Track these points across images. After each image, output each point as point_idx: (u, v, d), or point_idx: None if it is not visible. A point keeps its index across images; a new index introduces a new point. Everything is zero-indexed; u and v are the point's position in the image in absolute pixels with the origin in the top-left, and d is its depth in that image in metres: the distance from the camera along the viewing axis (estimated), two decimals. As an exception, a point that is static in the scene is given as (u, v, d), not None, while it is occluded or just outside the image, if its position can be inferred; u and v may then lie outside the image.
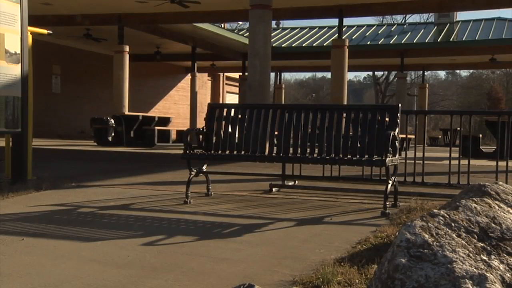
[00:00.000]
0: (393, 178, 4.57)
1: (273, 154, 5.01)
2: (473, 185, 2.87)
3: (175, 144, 16.23)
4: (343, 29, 17.30)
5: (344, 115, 4.94)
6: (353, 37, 22.54)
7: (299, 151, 4.97)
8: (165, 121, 17.14)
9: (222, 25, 24.39)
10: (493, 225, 2.15)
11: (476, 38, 21.14)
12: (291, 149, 5.01)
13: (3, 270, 2.77)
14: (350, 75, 66.18)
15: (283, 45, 23.12)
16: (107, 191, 5.53)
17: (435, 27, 23.52)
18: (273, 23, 18.76)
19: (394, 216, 4.17)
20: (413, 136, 13.18)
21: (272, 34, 14.21)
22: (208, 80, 32.04)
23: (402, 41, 22.06)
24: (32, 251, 3.18)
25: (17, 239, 3.43)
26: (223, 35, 21.43)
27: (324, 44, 21.75)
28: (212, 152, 5.06)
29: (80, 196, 5.18)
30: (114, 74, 17.96)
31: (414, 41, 21.89)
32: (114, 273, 2.75)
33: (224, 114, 5.25)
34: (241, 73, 25.68)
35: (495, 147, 9.58)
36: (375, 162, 4.52)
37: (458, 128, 9.99)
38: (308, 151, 4.93)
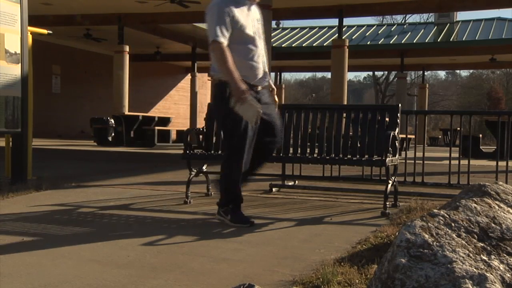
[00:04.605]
0: (393, 178, 4.57)
1: (273, 154, 5.00)
2: (473, 185, 2.87)
3: (175, 144, 16.24)
4: (343, 29, 17.31)
5: (344, 115, 4.94)
6: (353, 37, 22.54)
7: (299, 151, 4.97)
8: (165, 121, 17.15)
9: (222, 25, 24.35)
10: (493, 225, 2.15)
11: (476, 38, 21.14)
12: (291, 149, 5.00)
13: (3, 270, 2.77)
14: (350, 75, 66.19)
15: (283, 45, 23.11)
16: (107, 191, 5.53)
17: (435, 27, 23.52)
18: (273, 23, 18.76)
19: (394, 216, 4.17)
20: (413, 136, 13.18)
21: (272, 34, 14.21)
22: (208, 80, 32.00)
23: (402, 41, 22.05)
24: (32, 251, 3.18)
25: (17, 239, 3.43)
26: (223, 35, 21.39)
27: (324, 44, 21.76)
28: (212, 152, 5.06)
29: (80, 196, 5.18)
30: (114, 74, 17.97)
31: (414, 41, 21.89)
32: (114, 273, 2.75)
33: (224, 114, 5.23)
34: (241, 73, 25.63)
35: (495, 147, 9.58)
36: (375, 162, 4.52)
37: (458, 128, 9.99)
38: (308, 151, 4.93)
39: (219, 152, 5.08)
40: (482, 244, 2.04)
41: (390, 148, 4.41)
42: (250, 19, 3.89)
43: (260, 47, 3.95)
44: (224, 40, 3.72)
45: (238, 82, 3.66)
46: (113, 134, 16.05)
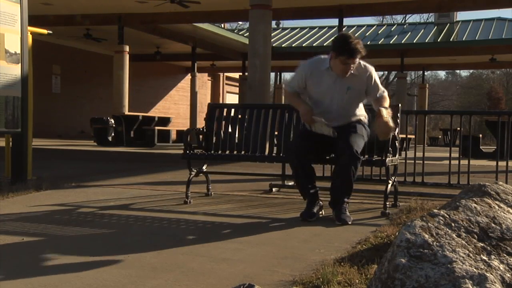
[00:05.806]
0: (393, 178, 4.57)
1: (273, 154, 5.00)
2: (473, 185, 2.87)
3: (175, 144, 16.24)
4: (343, 29, 17.30)
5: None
6: (353, 37, 22.50)
7: (299, 151, 4.97)
8: (165, 121, 17.16)
9: (222, 25, 24.41)
10: (493, 225, 2.15)
11: (476, 38, 21.15)
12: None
13: (3, 270, 2.77)
14: (350, 75, 65.79)
15: (283, 45, 23.12)
16: (107, 191, 5.53)
17: (435, 27, 23.53)
18: (273, 23, 18.77)
19: (394, 216, 4.17)
20: (413, 136, 13.19)
21: (272, 34, 14.22)
22: (208, 80, 32.04)
23: (402, 41, 22.06)
24: (32, 251, 3.18)
25: (17, 239, 3.43)
26: (223, 35, 21.44)
27: (324, 44, 21.75)
28: (212, 152, 5.06)
29: (80, 196, 5.18)
30: (114, 74, 17.97)
31: (414, 41, 21.89)
32: (114, 273, 2.75)
33: (224, 114, 5.25)
34: (241, 73, 25.68)
35: (495, 147, 9.58)
36: (375, 162, 4.51)
37: (458, 128, 10.00)
38: (308, 151, 4.92)
39: (219, 152, 5.08)
40: (482, 244, 2.04)
41: (390, 148, 4.41)
42: (328, 82, 4.32)
43: (329, 104, 4.34)
44: (290, 90, 4.53)
45: (300, 108, 4.39)
46: (113, 134, 16.05)
